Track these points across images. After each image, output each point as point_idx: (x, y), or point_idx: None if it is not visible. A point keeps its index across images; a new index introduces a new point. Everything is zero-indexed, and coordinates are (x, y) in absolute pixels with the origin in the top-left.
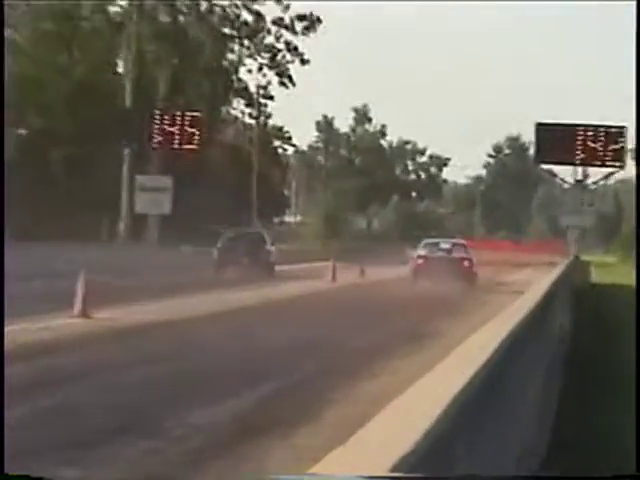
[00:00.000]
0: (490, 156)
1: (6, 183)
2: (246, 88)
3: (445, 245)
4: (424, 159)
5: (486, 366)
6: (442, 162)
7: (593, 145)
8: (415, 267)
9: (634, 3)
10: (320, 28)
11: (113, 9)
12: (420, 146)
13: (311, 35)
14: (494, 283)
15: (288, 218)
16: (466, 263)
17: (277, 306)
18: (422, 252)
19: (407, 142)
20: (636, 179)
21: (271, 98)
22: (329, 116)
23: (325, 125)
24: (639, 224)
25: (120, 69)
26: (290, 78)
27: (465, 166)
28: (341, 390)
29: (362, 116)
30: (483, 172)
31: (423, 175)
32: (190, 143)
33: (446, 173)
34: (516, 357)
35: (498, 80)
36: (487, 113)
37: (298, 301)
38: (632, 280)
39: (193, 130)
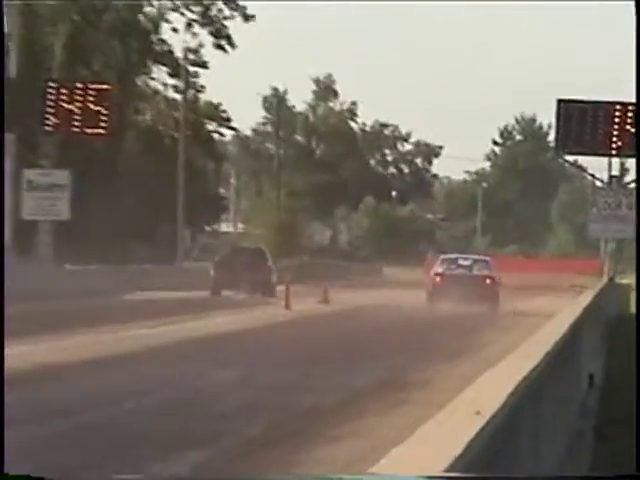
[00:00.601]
0: (496, 144)
1: (6, 191)
2: (170, 52)
3: (465, 261)
4: (408, 147)
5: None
6: (432, 151)
7: (634, 130)
8: (432, 286)
9: (634, 3)
10: None
11: None
12: (403, 130)
13: None
14: (499, 314)
15: (226, 227)
16: (488, 281)
17: (208, 345)
18: (439, 269)
19: (385, 125)
20: (636, 180)
21: (204, 65)
22: (281, 89)
23: (276, 102)
24: (639, 226)
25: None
26: (229, 39)
27: (463, 157)
28: (288, 460)
29: (325, 90)
30: (486, 165)
31: (406, 169)
32: (96, 126)
33: (437, 166)
34: (516, 439)
35: (506, 48)
36: (492, 87)
37: (237, 338)
38: None
39: (99, 108)
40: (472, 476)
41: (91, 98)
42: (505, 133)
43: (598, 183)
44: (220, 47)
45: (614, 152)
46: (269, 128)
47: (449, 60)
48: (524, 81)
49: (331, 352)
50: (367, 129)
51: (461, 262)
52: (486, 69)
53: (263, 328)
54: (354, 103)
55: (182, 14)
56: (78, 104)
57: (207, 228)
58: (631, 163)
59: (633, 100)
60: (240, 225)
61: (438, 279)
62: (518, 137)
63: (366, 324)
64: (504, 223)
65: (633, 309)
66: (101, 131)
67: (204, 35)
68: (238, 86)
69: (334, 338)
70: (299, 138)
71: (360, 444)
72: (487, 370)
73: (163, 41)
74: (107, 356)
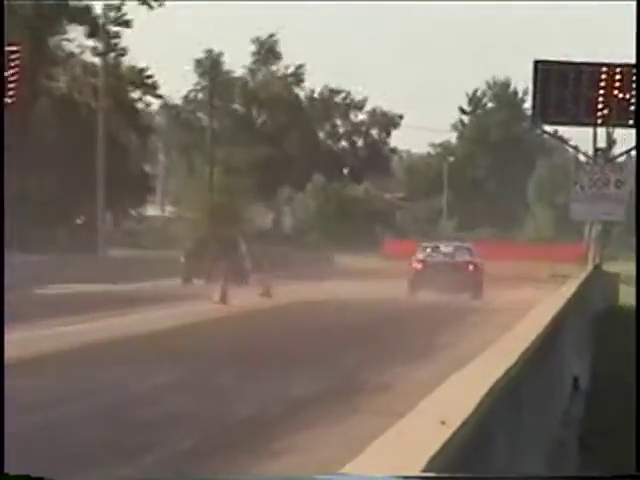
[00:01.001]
0: (464, 112)
1: (6, 185)
2: (88, 9)
3: (446, 248)
4: (362, 117)
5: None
6: (390, 121)
7: (623, 95)
8: (413, 274)
9: (634, 3)
10: None
11: None
12: (356, 97)
13: None
14: (467, 310)
15: (153, 210)
16: (471, 268)
17: (136, 345)
18: (420, 256)
19: (336, 91)
20: (636, 176)
21: (127, 24)
22: (215, 51)
23: (210, 65)
24: (639, 221)
25: None
26: None
27: (425, 128)
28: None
29: (267, 52)
30: (453, 137)
31: (360, 141)
32: (1, 93)
33: (396, 139)
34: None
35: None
36: (460, 47)
37: (167, 337)
38: None
39: (5, 73)
40: (451, 476)
41: None
42: (474, 100)
43: (582, 157)
44: (145, 3)
45: (600, 121)
46: (202, 95)
47: (410, 17)
48: (497, 41)
49: (273, 353)
50: (315, 96)
51: (443, 249)
52: (453, 27)
53: (195, 326)
54: (300, 67)
55: None
56: None
57: (132, 212)
58: (619, 134)
59: (624, 62)
60: (169, 208)
61: (420, 266)
62: (489, 105)
63: (314, 321)
64: (473, 203)
65: (622, 301)
66: (8, 100)
67: None
68: (166, 49)
69: (276, 337)
70: (237, 107)
71: (304, 459)
72: (454, 373)
73: None
74: (21, 358)
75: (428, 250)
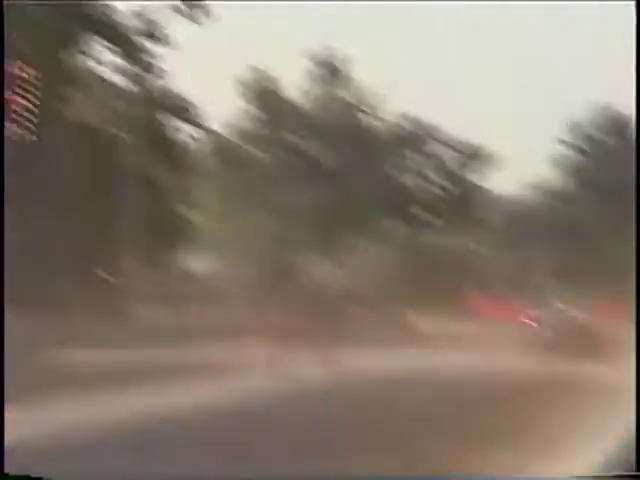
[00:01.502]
0: (563, 143)
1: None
2: (114, 22)
3: (565, 307)
4: (440, 150)
5: None
6: (473, 154)
7: None
8: (531, 338)
9: (634, 3)
10: None
11: None
12: (430, 123)
13: None
14: (589, 384)
15: (195, 262)
16: (595, 330)
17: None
18: (537, 316)
19: (417, 122)
20: (635, 183)
21: (165, 41)
22: (261, 68)
23: (256, 85)
24: (639, 232)
25: None
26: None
27: (513, 161)
28: None
29: (323, 67)
30: (550, 173)
31: (442, 179)
32: (14, 120)
33: (480, 174)
34: None
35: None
36: (559, 65)
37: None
38: None
39: (17, 97)
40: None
41: (7, 82)
42: (574, 127)
43: None
44: (191, 18)
45: None
46: (249, 123)
47: (506, 36)
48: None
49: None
50: (387, 123)
51: (561, 307)
52: (545, 40)
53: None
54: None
55: None
56: None
57: (165, 261)
58: None
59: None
60: (212, 258)
61: (539, 328)
62: (590, 132)
63: (389, 406)
64: (579, 254)
65: None
66: (23, 129)
67: None
68: (210, 70)
69: (337, 421)
70: (288, 136)
71: None
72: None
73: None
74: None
75: (545, 310)
